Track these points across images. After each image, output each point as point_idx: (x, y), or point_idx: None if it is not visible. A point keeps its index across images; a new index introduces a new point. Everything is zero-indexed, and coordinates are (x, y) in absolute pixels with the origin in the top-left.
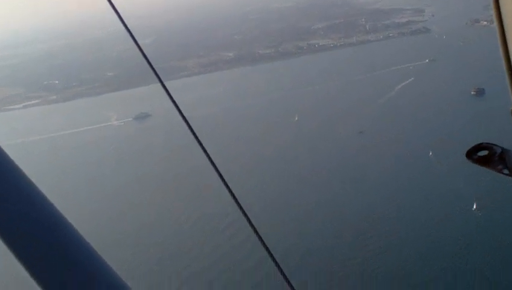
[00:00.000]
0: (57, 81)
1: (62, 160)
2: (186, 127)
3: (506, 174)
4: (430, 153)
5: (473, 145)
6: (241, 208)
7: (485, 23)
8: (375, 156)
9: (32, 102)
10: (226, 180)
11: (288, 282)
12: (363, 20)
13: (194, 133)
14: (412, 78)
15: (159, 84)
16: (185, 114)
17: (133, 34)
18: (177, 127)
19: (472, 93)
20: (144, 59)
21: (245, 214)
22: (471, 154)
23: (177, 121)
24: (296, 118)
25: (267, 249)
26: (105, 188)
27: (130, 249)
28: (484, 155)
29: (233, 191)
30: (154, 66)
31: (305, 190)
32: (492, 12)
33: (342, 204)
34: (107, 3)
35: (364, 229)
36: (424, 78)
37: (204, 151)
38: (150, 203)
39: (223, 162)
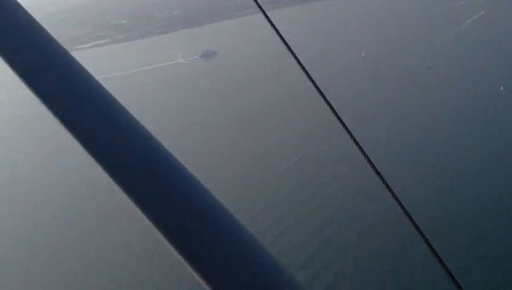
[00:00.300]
0: (124, 21)
1: (131, 99)
2: (252, 65)
3: None
4: (501, 88)
5: None
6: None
7: None
8: (444, 92)
9: (101, 41)
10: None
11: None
12: None
13: (301, 64)
14: (483, 12)
15: (223, 22)
16: (247, 51)
17: None
18: (244, 64)
19: None
20: None
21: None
22: None
23: (243, 58)
24: (363, 54)
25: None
26: (180, 127)
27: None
28: None
29: (354, 136)
30: (225, 4)
31: (371, 126)
32: None
33: (408, 144)
34: None
35: (429, 171)
36: (496, 12)
37: (316, 87)
38: (232, 140)
39: (289, 101)
